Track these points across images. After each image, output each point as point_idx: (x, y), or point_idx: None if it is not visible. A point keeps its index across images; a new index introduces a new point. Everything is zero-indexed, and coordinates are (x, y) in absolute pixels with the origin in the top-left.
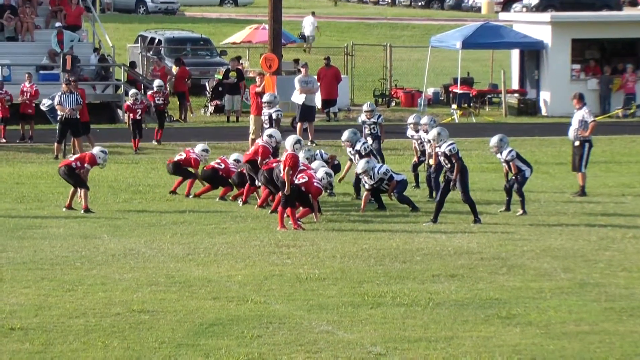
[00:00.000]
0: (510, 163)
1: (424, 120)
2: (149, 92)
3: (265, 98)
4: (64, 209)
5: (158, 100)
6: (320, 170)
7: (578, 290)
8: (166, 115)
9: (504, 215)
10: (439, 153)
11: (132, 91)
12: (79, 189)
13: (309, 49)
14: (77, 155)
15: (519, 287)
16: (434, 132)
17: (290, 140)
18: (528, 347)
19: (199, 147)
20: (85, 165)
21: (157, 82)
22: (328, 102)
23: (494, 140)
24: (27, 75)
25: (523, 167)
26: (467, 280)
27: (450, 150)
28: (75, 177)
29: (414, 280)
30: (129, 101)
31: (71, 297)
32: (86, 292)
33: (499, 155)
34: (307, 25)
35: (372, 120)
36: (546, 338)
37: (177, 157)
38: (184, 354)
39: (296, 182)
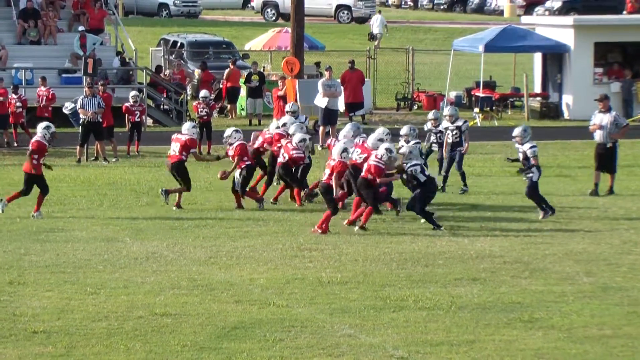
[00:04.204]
0: (531, 158)
1: (447, 111)
2: (194, 103)
3: (289, 108)
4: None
5: (202, 111)
6: (380, 149)
7: (601, 294)
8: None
9: (525, 218)
10: (519, 150)
11: (133, 93)
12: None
13: (377, 48)
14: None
15: (542, 291)
16: (520, 130)
17: (337, 148)
18: (550, 351)
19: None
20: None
21: (202, 93)
22: (354, 106)
23: (518, 130)
24: (40, 79)
25: (533, 168)
26: (490, 284)
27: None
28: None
29: (436, 283)
30: (128, 103)
31: (94, 300)
32: (109, 296)
33: (519, 146)
34: (376, 24)
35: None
36: (568, 342)
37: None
38: (206, 357)
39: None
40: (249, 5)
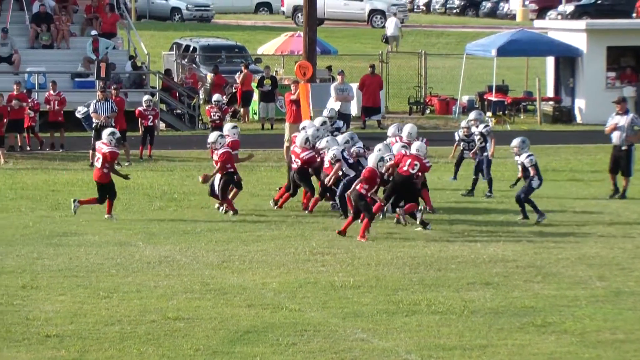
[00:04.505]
0: (530, 167)
1: (472, 115)
2: (207, 107)
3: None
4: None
5: (214, 115)
6: (414, 144)
7: (613, 298)
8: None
9: (539, 223)
10: (518, 162)
11: (146, 97)
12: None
13: (395, 50)
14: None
15: (554, 295)
16: (518, 141)
17: (373, 157)
18: (563, 356)
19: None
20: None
21: (215, 97)
22: (371, 110)
23: (516, 141)
24: (51, 83)
25: (534, 176)
26: (502, 288)
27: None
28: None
29: (449, 288)
30: (141, 107)
31: (106, 304)
32: (121, 300)
33: (517, 158)
34: (391, 27)
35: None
36: (581, 346)
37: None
38: None
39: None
40: (280, 10)
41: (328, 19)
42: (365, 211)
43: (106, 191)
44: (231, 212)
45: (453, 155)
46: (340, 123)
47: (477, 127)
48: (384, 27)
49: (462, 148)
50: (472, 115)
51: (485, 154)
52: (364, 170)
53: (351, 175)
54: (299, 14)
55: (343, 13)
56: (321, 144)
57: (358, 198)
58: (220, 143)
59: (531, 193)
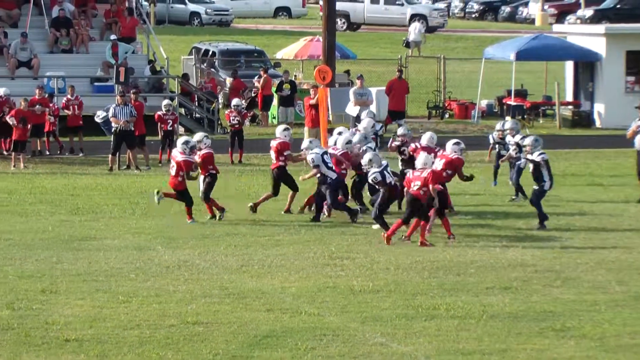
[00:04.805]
0: (542, 162)
1: (509, 124)
2: (226, 112)
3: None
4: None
5: (233, 119)
6: (448, 144)
7: (633, 302)
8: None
9: (557, 227)
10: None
11: (165, 102)
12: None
13: (418, 54)
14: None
15: (573, 300)
16: (531, 139)
17: (422, 158)
18: None
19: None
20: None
21: (234, 101)
22: (397, 114)
23: (530, 139)
24: (69, 87)
25: (546, 177)
26: (521, 293)
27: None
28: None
29: (468, 292)
30: (160, 111)
31: (126, 308)
32: (140, 304)
33: (529, 156)
34: (413, 31)
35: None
36: (601, 351)
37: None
38: None
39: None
40: (319, 15)
41: (367, 24)
42: (420, 214)
43: (182, 198)
44: (217, 212)
45: (490, 159)
46: (378, 126)
47: (512, 136)
48: (426, 31)
49: (497, 150)
50: (509, 124)
51: (518, 162)
52: (427, 175)
53: (333, 177)
54: (338, 19)
55: (383, 18)
56: (303, 144)
57: (414, 201)
58: (205, 143)
59: (543, 196)
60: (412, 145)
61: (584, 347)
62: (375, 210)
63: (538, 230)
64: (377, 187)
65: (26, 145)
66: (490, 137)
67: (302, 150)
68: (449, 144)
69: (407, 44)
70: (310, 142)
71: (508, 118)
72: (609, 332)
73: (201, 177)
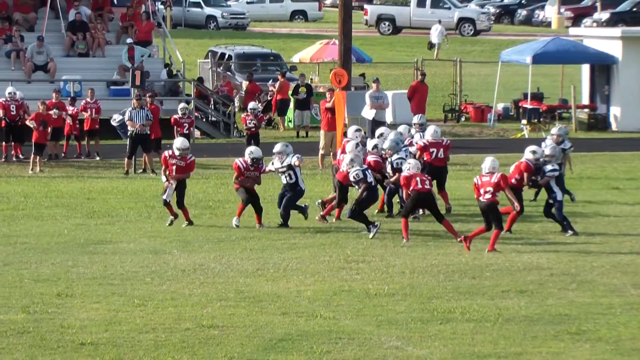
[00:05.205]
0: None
1: (555, 131)
2: (242, 115)
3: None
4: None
5: (250, 123)
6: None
7: None
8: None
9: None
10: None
11: (181, 105)
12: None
13: (436, 57)
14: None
15: (589, 303)
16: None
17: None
18: None
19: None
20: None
21: (251, 105)
22: None
23: (553, 150)
24: (89, 91)
25: (555, 189)
26: (537, 296)
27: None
28: None
29: (484, 296)
30: (176, 115)
31: (141, 312)
32: (156, 308)
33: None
34: (435, 33)
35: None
36: (616, 354)
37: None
38: None
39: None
40: (364, 19)
41: (414, 28)
42: (496, 221)
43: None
44: (171, 217)
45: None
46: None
47: (558, 144)
48: (473, 35)
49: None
50: (556, 130)
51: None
52: (495, 180)
53: (292, 182)
54: (383, 23)
55: (430, 21)
56: (276, 148)
57: (490, 208)
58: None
59: (562, 206)
60: (420, 143)
61: (600, 350)
62: (354, 208)
63: (571, 236)
64: (357, 185)
65: (43, 148)
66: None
67: (274, 155)
68: (526, 151)
69: (432, 46)
70: (287, 146)
71: (549, 141)
72: (624, 335)
73: (174, 183)
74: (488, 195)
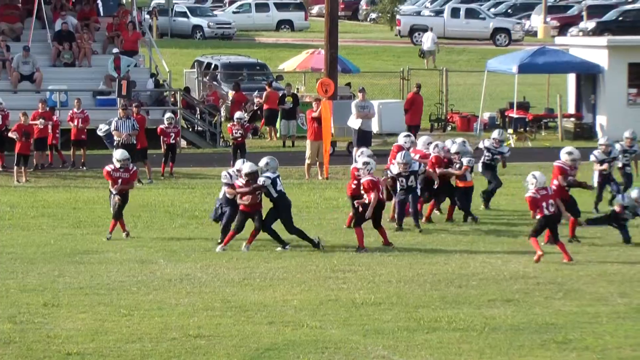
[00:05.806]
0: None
1: (603, 140)
2: (229, 125)
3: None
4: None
5: (236, 132)
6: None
7: (635, 315)
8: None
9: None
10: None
11: (168, 115)
12: None
13: (433, 63)
14: None
15: (575, 312)
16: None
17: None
18: None
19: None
20: None
21: (237, 114)
22: (414, 128)
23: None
24: (76, 101)
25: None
26: (523, 305)
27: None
28: None
29: (470, 305)
30: (162, 125)
31: (127, 322)
32: (142, 317)
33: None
34: (426, 41)
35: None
36: None
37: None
38: None
39: None
40: (396, 29)
41: (449, 38)
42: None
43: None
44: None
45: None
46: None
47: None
48: (507, 45)
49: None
50: (604, 140)
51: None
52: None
53: (275, 196)
54: (417, 34)
55: (464, 32)
56: (261, 162)
57: (557, 219)
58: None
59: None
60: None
61: (586, 359)
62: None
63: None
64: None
65: (28, 159)
66: (596, 154)
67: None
68: (562, 152)
69: (423, 54)
70: (268, 162)
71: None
72: (610, 344)
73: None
74: (551, 209)
